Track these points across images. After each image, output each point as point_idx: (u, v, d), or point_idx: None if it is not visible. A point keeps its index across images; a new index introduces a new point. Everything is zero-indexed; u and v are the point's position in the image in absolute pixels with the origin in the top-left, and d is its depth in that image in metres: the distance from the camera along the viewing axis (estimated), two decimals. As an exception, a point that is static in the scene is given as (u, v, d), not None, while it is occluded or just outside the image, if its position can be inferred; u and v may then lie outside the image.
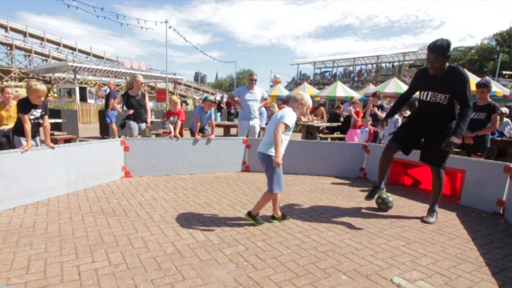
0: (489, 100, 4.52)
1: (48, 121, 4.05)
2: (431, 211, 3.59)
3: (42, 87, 3.67)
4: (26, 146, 3.63)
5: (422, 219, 3.53)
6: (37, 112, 3.82)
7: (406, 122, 3.74)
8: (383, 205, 3.84)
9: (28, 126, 3.66)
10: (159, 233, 2.93)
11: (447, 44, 3.05)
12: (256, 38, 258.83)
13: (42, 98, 3.76)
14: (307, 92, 3.41)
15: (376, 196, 3.79)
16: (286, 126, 2.97)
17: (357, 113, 7.68)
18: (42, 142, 4.04)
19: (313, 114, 11.31)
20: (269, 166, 3.04)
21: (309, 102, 3.19)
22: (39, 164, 3.72)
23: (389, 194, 3.88)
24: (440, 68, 3.14)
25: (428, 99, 3.33)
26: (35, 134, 3.96)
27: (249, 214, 3.24)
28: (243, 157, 5.71)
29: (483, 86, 4.50)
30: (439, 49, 3.05)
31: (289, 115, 3.01)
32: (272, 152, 3.01)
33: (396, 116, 6.72)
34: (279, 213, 3.35)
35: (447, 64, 3.18)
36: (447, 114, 3.33)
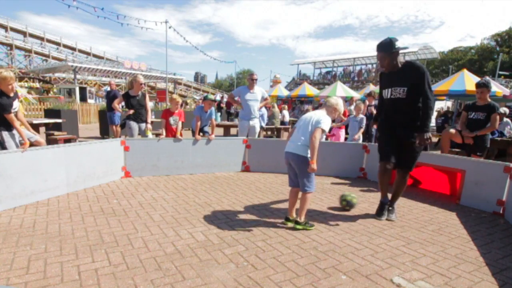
0: (489, 100, 4.52)
1: (21, 112, 3.97)
2: (391, 209, 3.61)
3: (9, 73, 3.56)
4: (24, 144, 3.63)
5: (387, 219, 3.55)
6: (16, 103, 3.71)
7: (380, 136, 3.69)
8: (348, 207, 3.78)
9: (18, 124, 3.59)
10: (159, 233, 2.93)
11: (390, 41, 3.18)
12: (256, 38, 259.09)
13: (14, 85, 3.61)
14: (338, 96, 3.51)
15: (342, 198, 3.81)
16: (323, 131, 3.02)
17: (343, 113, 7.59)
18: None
19: None
20: (302, 168, 3.03)
21: (342, 109, 3.30)
22: (39, 164, 3.71)
23: (353, 195, 3.82)
24: (390, 64, 3.27)
25: (389, 96, 3.39)
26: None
27: (297, 223, 3.13)
28: (243, 157, 5.71)
29: (483, 86, 4.50)
30: (383, 47, 3.21)
31: (325, 121, 3.04)
32: (307, 154, 3.02)
33: (361, 116, 6.66)
34: (303, 219, 3.17)
35: (403, 60, 3.31)
36: (410, 112, 3.31)
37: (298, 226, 3.13)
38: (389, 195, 3.63)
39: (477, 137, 4.51)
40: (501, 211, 3.86)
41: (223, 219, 3.35)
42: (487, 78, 4.55)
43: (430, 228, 3.32)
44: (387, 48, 3.20)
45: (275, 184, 4.89)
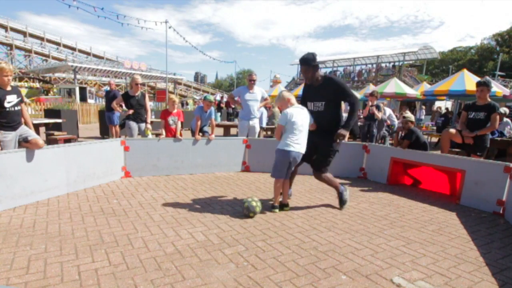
0: (489, 99, 4.51)
1: (26, 110, 3.82)
2: (339, 196, 3.85)
3: (8, 65, 3.46)
4: (30, 142, 3.56)
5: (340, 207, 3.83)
6: (12, 97, 3.54)
7: None
8: (247, 211, 3.41)
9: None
10: (159, 233, 2.93)
11: (312, 56, 3.57)
12: (256, 38, 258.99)
13: (10, 79, 3.50)
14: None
15: (247, 205, 3.43)
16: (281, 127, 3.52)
17: None
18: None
19: None
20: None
21: (286, 96, 3.64)
22: (39, 164, 3.71)
23: (256, 199, 3.46)
24: (313, 77, 3.64)
25: (312, 108, 3.75)
26: (17, 125, 3.67)
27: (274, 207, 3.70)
28: (243, 157, 5.71)
29: (483, 85, 4.48)
30: (305, 61, 3.58)
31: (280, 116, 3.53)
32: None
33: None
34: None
35: (322, 75, 3.69)
36: (329, 122, 3.65)
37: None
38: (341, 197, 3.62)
39: (477, 137, 4.50)
40: (501, 211, 3.86)
41: (223, 219, 3.35)
42: (488, 77, 4.53)
43: (430, 228, 3.32)
44: (309, 62, 3.56)
45: (275, 184, 4.89)
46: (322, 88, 3.63)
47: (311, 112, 3.72)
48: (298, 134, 3.49)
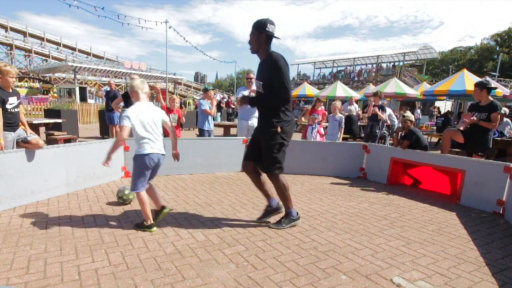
0: (491, 99, 4.47)
1: (23, 112, 3.93)
2: (285, 215, 3.22)
3: (13, 69, 3.54)
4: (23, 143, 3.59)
5: (269, 226, 3.18)
6: (13, 99, 3.64)
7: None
8: (121, 200, 3.67)
9: (0, 121, 3.46)
10: (159, 233, 2.93)
11: (263, 21, 2.88)
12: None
13: (14, 81, 3.58)
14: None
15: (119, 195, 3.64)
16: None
17: (317, 112, 7.16)
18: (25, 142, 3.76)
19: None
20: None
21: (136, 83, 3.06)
22: (39, 164, 3.71)
23: (127, 192, 3.62)
24: (253, 46, 2.94)
25: (256, 88, 3.12)
26: (16, 126, 3.73)
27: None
28: (243, 157, 5.70)
29: (476, 86, 4.53)
30: (255, 24, 2.90)
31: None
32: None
33: (340, 114, 6.55)
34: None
35: (270, 51, 2.95)
36: (269, 109, 2.97)
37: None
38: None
39: (479, 137, 4.47)
40: (501, 211, 3.86)
41: (223, 219, 3.35)
42: (488, 78, 4.50)
43: (430, 228, 3.32)
44: (258, 26, 2.88)
45: (275, 184, 4.89)
46: (263, 66, 2.99)
47: (257, 93, 3.11)
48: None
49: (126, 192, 3.63)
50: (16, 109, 3.72)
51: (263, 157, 3.10)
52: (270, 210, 3.28)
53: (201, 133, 6.10)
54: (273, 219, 3.29)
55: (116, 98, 8.26)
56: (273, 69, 2.83)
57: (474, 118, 4.47)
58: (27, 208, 3.47)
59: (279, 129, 2.93)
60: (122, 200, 3.67)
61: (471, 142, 4.58)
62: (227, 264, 2.41)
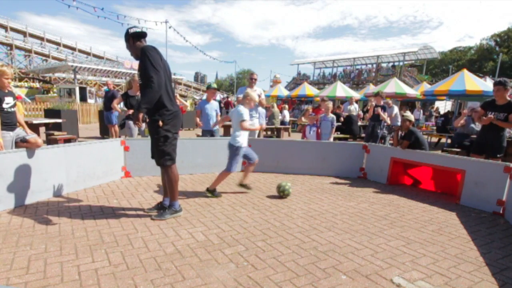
0: (508, 98, 4.24)
1: (19, 111, 3.94)
2: (168, 207, 3.35)
3: (9, 69, 3.57)
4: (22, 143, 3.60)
5: (151, 217, 3.27)
6: (9, 99, 3.67)
7: None
8: (282, 194, 4.20)
9: None
10: (159, 233, 2.93)
11: (126, 30, 3.12)
12: (256, 38, 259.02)
13: (10, 82, 3.61)
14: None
15: (280, 189, 4.16)
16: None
17: (316, 111, 7.23)
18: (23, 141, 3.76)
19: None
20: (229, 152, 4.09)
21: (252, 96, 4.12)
22: (39, 164, 3.71)
23: (287, 186, 4.18)
24: (133, 52, 3.15)
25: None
26: (14, 126, 3.75)
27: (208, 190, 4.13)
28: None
29: (498, 84, 4.21)
30: (124, 37, 3.15)
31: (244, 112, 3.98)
32: (234, 142, 4.04)
33: (331, 115, 6.45)
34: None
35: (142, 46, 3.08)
36: (154, 105, 3.03)
37: (208, 194, 4.12)
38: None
39: (494, 138, 4.29)
40: (501, 211, 3.86)
41: (223, 219, 3.35)
42: (505, 79, 4.29)
43: (430, 228, 3.32)
44: (125, 37, 3.13)
45: (275, 184, 4.88)
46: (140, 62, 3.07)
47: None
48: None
49: (287, 187, 4.18)
50: (12, 109, 3.75)
51: (154, 152, 3.27)
52: (160, 207, 3.48)
53: (206, 134, 5.95)
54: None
55: (115, 98, 8.28)
56: (141, 56, 2.99)
57: (492, 116, 4.23)
58: (27, 208, 3.47)
59: (160, 123, 3.09)
60: (283, 194, 4.19)
61: (487, 145, 4.37)
62: (227, 264, 2.41)
